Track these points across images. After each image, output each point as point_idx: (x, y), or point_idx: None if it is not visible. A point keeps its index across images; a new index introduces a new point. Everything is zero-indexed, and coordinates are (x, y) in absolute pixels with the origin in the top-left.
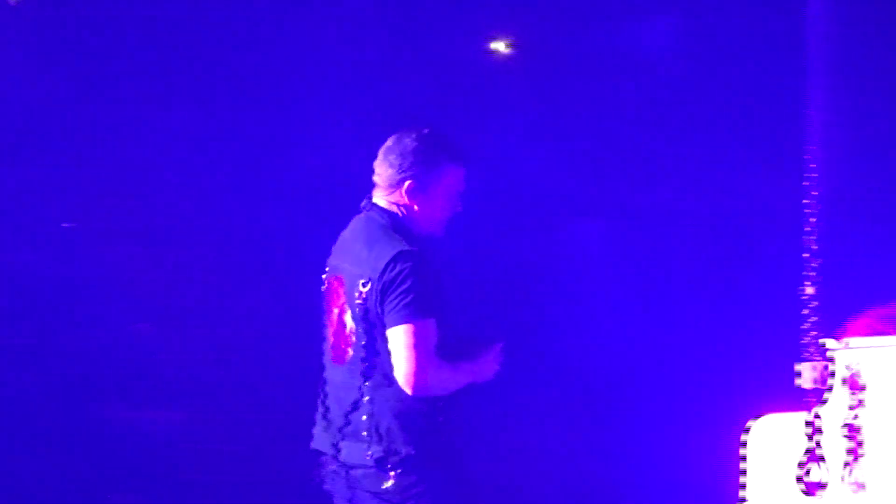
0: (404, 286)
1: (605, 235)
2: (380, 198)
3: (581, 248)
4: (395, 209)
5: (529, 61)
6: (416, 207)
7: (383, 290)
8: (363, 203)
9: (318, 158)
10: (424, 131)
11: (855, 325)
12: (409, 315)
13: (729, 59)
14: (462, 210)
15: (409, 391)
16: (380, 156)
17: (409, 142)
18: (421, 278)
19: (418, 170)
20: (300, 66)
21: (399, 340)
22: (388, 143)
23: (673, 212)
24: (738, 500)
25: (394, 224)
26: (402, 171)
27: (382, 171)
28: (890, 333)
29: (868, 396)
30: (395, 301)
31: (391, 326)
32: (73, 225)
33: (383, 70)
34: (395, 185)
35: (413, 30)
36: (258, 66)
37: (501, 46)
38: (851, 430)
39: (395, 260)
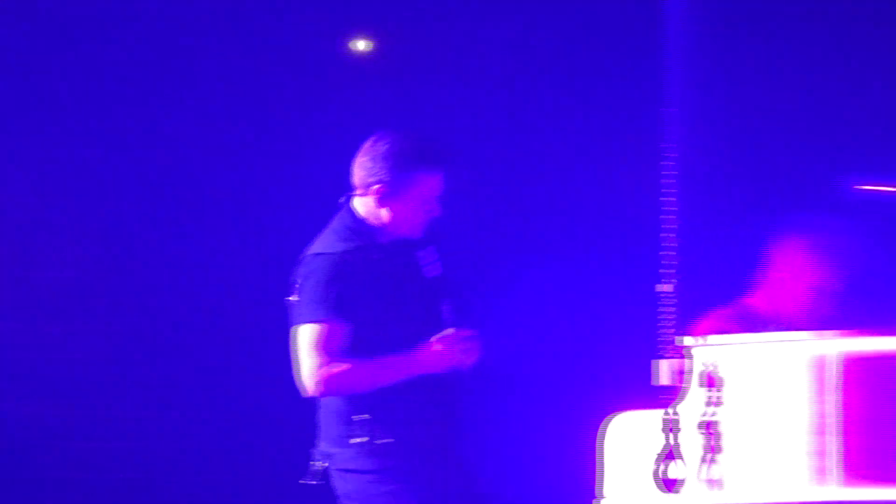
0: (304, 289)
1: (461, 232)
2: (355, 197)
3: (438, 246)
4: (363, 210)
5: (388, 59)
6: (386, 211)
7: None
8: (340, 200)
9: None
10: (401, 135)
11: (711, 322)
12: (300, 317)
13: (586, 55)
14: (440, 214)
15: (304, 393)
16: (357, 156)
17: (382, 145)
18: (324, 281)
19: (389, 175)
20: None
21: (293, 343)
22: (366, 144)
23: (530, 208)
24: (595, 499)
25: (353, 225)
26: (373, 175)
27: (356, 172)
28: (746, 331)
29: (725, 394)
30: (295, 303)
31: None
32: None
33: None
34: (366, 188)
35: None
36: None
37: (361, 45)
38: (709, 427)
39: (303, 263)
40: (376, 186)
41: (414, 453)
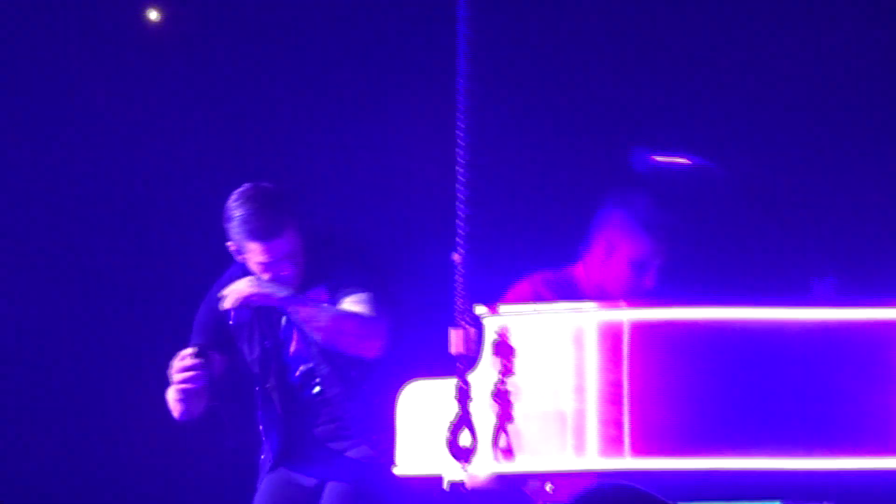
0: None
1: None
2: None
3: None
4: None
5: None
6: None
7: None
8: None
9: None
10: (232, 203)
11: (523, 291)
12: None
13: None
14: (283, 275)
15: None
16: None
17: (229, 211)
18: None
19: (232, 239)
20: None
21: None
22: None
23: (324, 179)
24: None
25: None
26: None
27: None
28: (540, 300)
29: (517, 363)
30: None
31: None
32: None
33: None
34: None
35: None
36: None
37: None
38: (500, 395)
39: None
40: (230, 244)
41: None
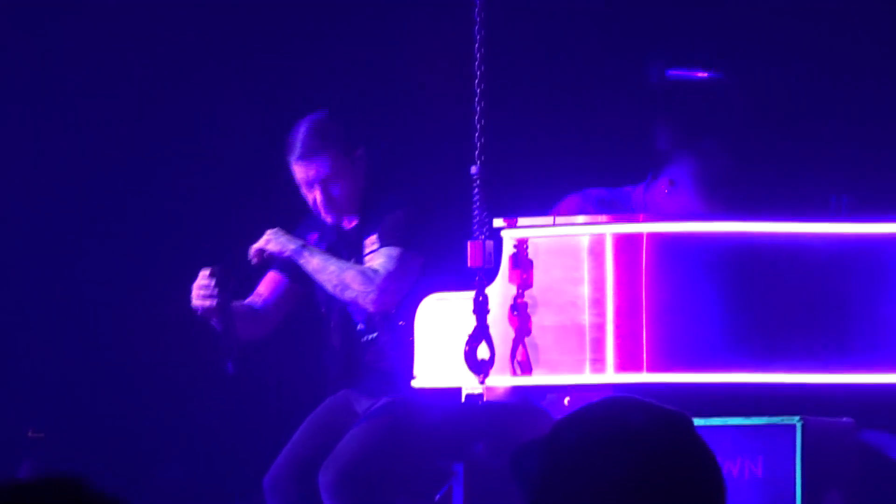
0: None
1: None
2: None
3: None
4: None
5: None
6: None
7: None
8: None
9: None
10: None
11: (556, 206)
12: None
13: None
14: (317, 200)
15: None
16: None
17: None
18: None
19: None
20: None
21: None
22: None
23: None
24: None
25: None
26: None
27: None
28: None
29: (535, 276)
30: None
31: None
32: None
33: None
34: None
35: None
36: None
37: None
38: (518, 308)
39: None
40: None
41: None
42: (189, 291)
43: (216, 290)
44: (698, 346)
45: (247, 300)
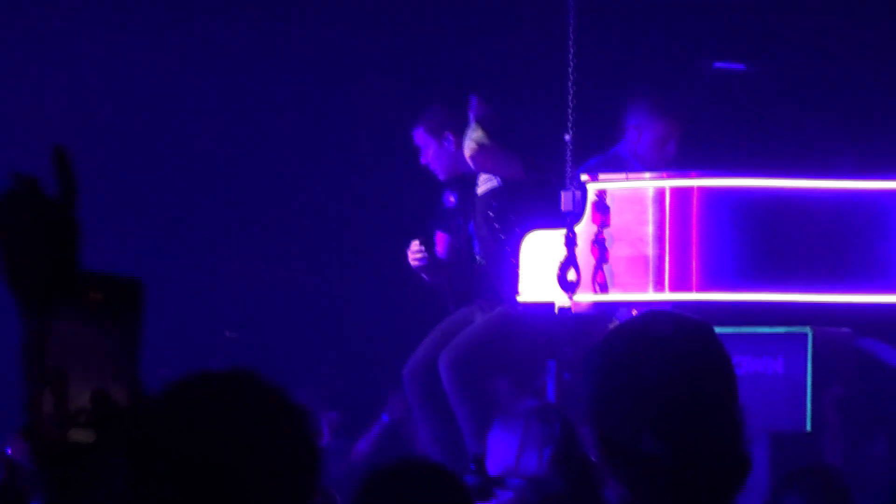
0: None
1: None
2: None
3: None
4: None
5: None
6: None
7: None
8: None
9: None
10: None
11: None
12: None
13: None
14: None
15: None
16: None
17: None
18: None
19: None
20: None
21: None
22: None
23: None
24: (517, 294)
25: None
26: None
27: None
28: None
29: (611, 218)
30: None
31: None
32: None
33: None
34: None
35: None
36: None
37: None
38: (598, 242)
39: None
40: None
41: None
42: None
43: (425, 253)
44: (734, 273)
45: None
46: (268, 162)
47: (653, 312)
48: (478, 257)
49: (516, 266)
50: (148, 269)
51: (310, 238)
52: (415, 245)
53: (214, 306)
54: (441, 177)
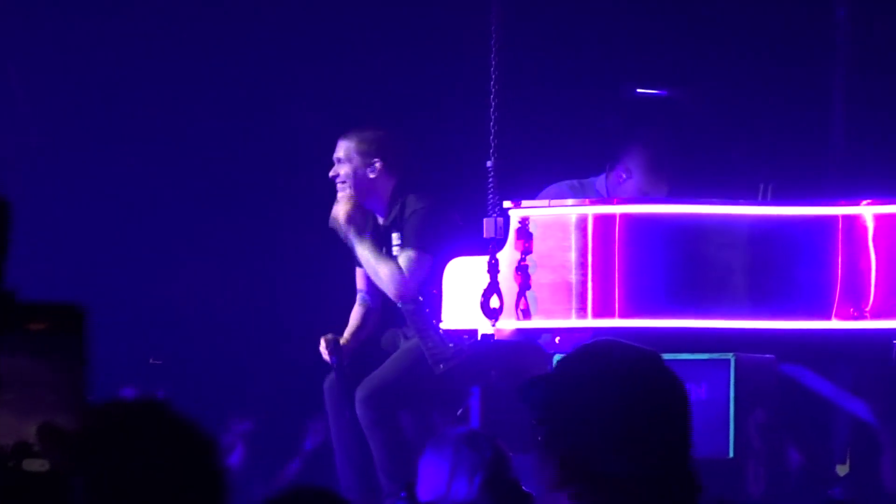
0: None
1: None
2: None
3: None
4: None
5: None
6: None
7: None
8: None
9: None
10: None
11: (540, 193)
12: None
13: None
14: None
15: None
16: None
17: None
18: None
19: None
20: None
21: None
22: None
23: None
24: (439, 321)
25: None
26: None
27: None
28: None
29: (534, 245)
30: None
31: None
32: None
33: None
34: None
35: None
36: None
37: None
38: (521, 269)
39: None
40: None
41: None
42: None
43: (332, 349)
44: (657, 299)
45: (358, 294)
46: (187, 189)
47: (602, 342)
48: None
49: (429, 310)
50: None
51: (234, 261)
52: (324, 347)
53: (139, 331)
54: (344, 193)
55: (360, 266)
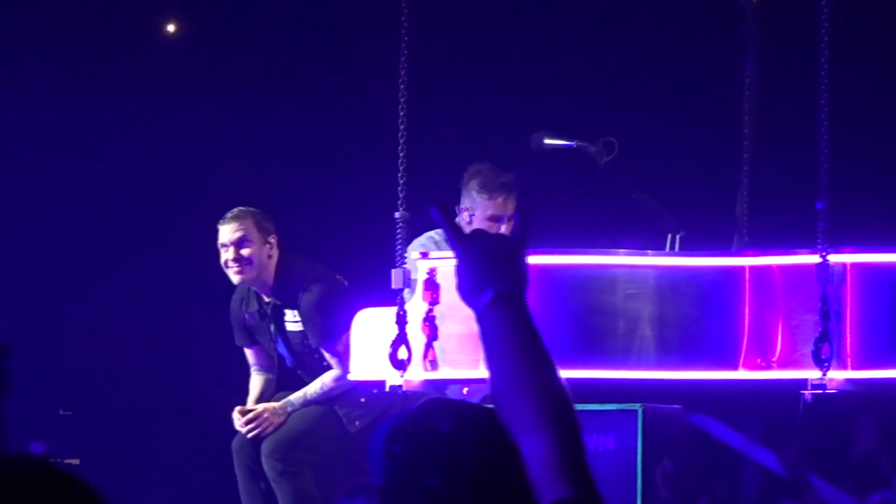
0: None
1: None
2: None
3: None
4: None
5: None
6: None
7: None
8: None
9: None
10: None
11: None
12: None
13: None
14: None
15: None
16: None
17: None
18: None
19: None
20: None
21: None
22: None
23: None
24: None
25: None
26: None
27: None
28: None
29: (442, 295)
30: None
31: None
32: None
33: None
34: None
35: None
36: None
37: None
38: (429, 320)
39: None
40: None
41: None
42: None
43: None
44: (562, 349)
45: (253, 370)
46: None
47: (428, 407)
48: (297, 371)
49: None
50: None
51: (148, 314)
52: (239, 421)
53: (48, 380)
54: (243, 276)
55: (247, 348)
